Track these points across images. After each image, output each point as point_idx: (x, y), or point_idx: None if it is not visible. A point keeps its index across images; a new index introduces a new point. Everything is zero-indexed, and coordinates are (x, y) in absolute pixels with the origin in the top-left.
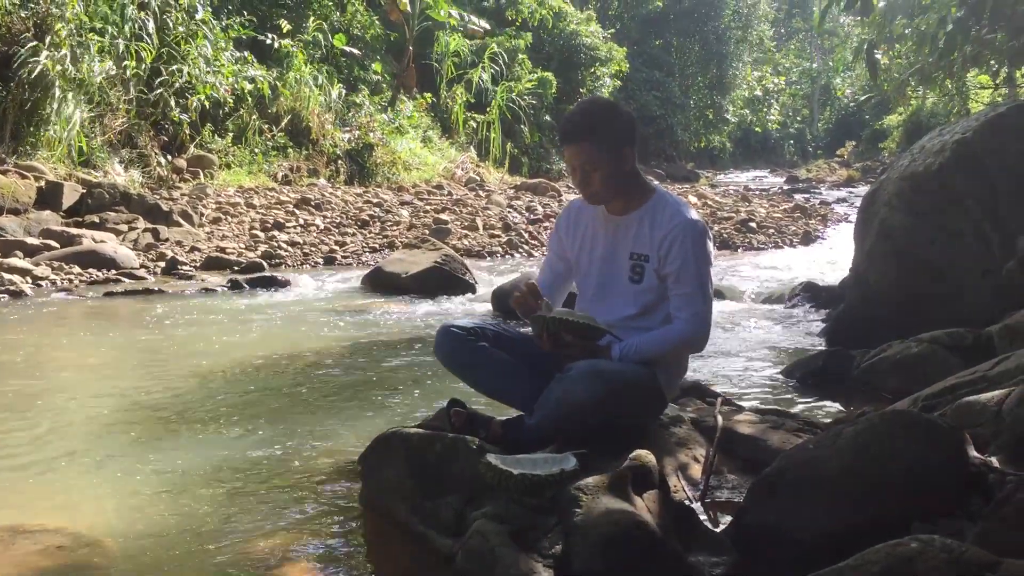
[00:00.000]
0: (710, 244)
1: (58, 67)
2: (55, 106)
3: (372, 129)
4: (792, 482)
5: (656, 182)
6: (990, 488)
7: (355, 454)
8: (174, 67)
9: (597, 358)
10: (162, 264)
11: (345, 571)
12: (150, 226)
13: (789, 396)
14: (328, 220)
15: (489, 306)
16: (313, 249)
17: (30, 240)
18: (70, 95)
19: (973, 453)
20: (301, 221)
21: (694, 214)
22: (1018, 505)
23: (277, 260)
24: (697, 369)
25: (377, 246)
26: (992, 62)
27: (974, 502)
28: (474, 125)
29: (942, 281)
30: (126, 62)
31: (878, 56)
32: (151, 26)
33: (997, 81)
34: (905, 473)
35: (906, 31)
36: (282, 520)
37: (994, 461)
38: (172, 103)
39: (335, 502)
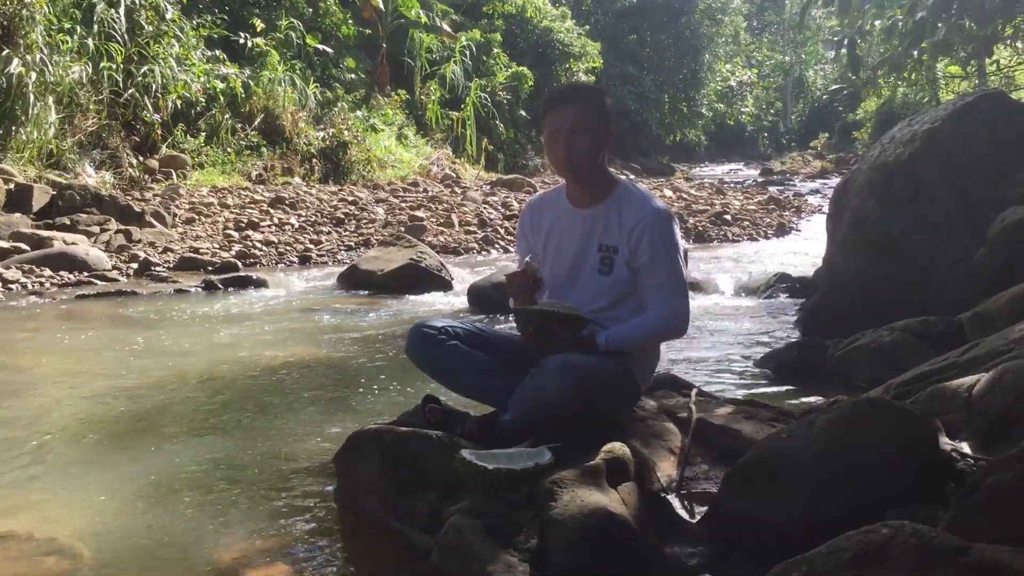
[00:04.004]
0: (678, 230)
1: (28, 70)
2: (25, 108)
3: (347, 127)
4: (766, 471)
5: (624, 174)
6: (961, 474)
7: (330, 452)
8: (145, 67)
9: (582, 348)
10: (135, 266)
11: (321, 570)
12: (122, 227)
13: (764, 386)
14: (303, 219)
15: (465, 302)
16: (288, 248)
17: None
18: (40, 96)
19: (944, 439)
20: (276, 220)
21: (660, 203)
22: (988, 490)
23: (252, 260)
24: (672, 361)
25: (352, 244)
26: (961, 52)
27: (946, 488)
28: (449, 122)
29: (913, 270)
30: (96, 62)
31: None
32: (121, 26)
33: (968, 69)
34: (878, 460)
35: (876, 23)
36: (257, 520)
37: (965, 447)
38: (143, 103)
39: (310, 501)
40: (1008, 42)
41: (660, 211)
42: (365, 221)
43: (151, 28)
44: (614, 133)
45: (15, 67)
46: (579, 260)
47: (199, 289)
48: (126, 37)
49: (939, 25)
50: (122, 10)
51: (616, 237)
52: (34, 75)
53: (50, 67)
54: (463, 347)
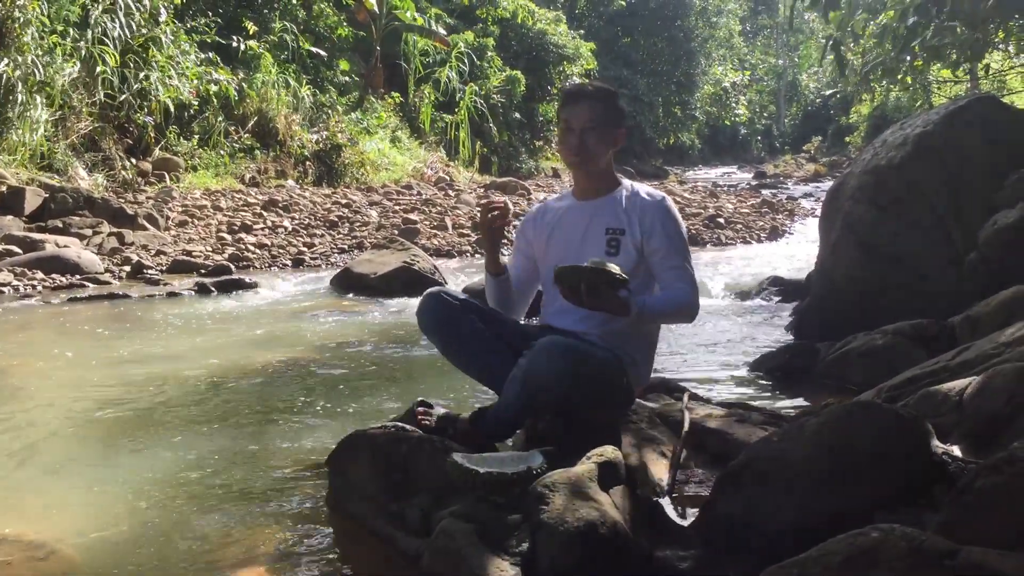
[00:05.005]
0: (679, 215)
1: (14, 68)
2: (17, 110)
3: (340, 130)
4: (757, 474)
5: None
6: (952, 477)
7: (322, 456)
8: (139, 71)
9: (619, 310)
10: (127, 268)
11: (311, 573)
12: (115, 230)
13: (756, 390)
14: (296, 222)
15: None
16: (281, 251)
17: None
18: (33, 98)
19: (935, 442)
20: (269, 223)
21: (661, 192)
22: (978, 493)
23: (245, 262)
24: (664, 363)
25: (346, 247)
26: (952, 55)
27: (936, 491)
28: (443, 125)
29: (905, 273)
30: (90, 65)
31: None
32: (115, 29)
33: (957, 74)
34: (869, 463)
35: (868, 25)
36: (248, 523)
37: (956, 450)
38: (137, 106)
39: (302, 504)
40: (1000, 46)
41: (664, 198)
42: (358, 224)
43: (145, 31)
44: (624, 134)
45: (3, 66)
46: (585, 244)
47: (192, 292)
48: (119, 40)
49: (932, 26)
50: (120, 14)
51: (623, 221)
52: (18, 72)
53: (41, 68)
54: (477, 321)
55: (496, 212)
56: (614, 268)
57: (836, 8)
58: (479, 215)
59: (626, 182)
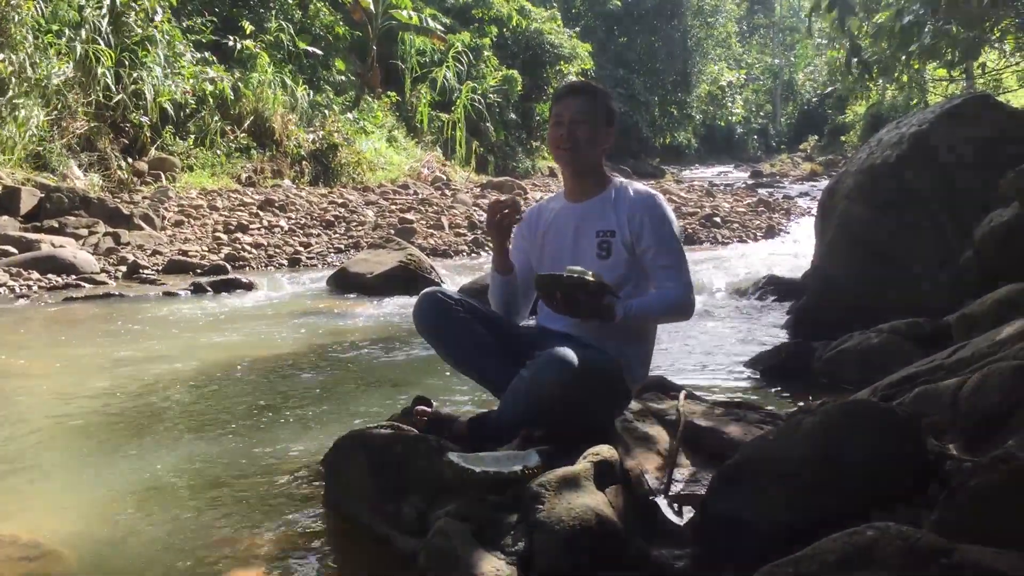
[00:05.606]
0: (670, 210)
1: (12, 69)
2: (11, 109)
3: (336, 129)
4: (752, 473)
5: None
6: (947, 475)
7: (319, 455)
8: (134, 71)
9: (602, 317)
10: (123, 268)
11: (307, 574)
12: (111, 230)
13: (752, 388)
14: (292, 221)
15: None
16: (277, 251)
17: None
18: (26, 98)
19: (931, 441)
20: (265, 223)
21: (651, 189)
22: (973, 492)
23: (241, 262)
24: (660, 362)
25: (342, 247)
26: (948, 55)
27: (932, 489)
28: (439, 124)
29: (901, 272)
30: (85, 65)
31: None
32: (109, 28)
33: (953, 73)
34: (864, 462)
35: (863, 24)
36: (244, 524)
37: (951, 448)
38: (132, 105)
39: (298, 505)
40: (995, 45)
41: (654, 195)
42: (355, 224)
43: (140, 31)
44: (612, 134)
45: None
46: (576, 248)
47: (187, 292)
48: (112, 39)
49: (927, 27)
50: (104, 13)
51: (613, 222)
52: (12, 70)
53: (37, 67)
54: (473, 322)
55: (506, 211)
56: (591, 277)
57: (852, 13)
58: (487, 215)
59: (616, 180)
